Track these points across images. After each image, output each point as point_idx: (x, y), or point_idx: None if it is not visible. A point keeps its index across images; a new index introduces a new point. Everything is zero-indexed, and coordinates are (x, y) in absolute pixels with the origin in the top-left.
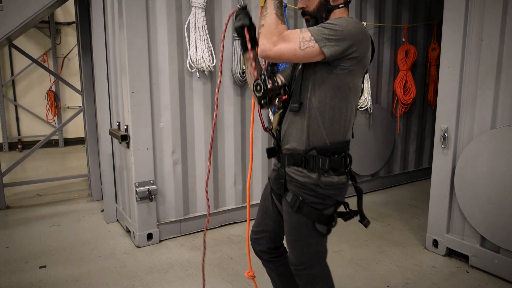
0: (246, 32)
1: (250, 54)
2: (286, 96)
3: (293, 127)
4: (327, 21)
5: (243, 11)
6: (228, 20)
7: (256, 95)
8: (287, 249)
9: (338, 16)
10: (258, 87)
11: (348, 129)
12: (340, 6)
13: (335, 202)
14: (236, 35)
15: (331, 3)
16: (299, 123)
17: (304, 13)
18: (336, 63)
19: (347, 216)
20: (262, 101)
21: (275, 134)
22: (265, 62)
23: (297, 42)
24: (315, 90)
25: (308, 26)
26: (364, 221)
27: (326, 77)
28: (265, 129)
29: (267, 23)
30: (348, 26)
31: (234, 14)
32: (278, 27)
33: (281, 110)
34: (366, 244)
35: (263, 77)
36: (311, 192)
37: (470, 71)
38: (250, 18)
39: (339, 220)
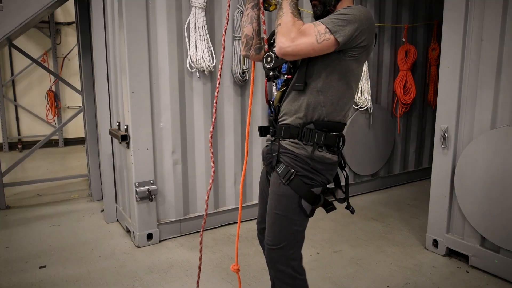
0: None
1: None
2: (290, 76)
3: (294, 104)
4: (337, 12)
5: None
6: (228, 16)
7: (266, 67)
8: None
9: (346, 3)
10: (269, 59)
11: (347, 112)
12: None
13: (324, 182)
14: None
15: None
16: (301, 101)
17: None
18: (346, 50)
19: (330, 206)
20: (271, 73)
21: (275, 110)
22: (266, 50)
23: (314, 36)
24: (321, 72)
25: (315, 11)
26: (350, 208)
27: (334, 62)
28: (267, 101)
29: (283, 21)
30: (358, 13)
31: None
32: (296, 24)
33: (284, 88)
34: (366, 244)
35: (274, 48)
36: (304, 164)
37: (470, 71)
38: None
39: (339, 220)
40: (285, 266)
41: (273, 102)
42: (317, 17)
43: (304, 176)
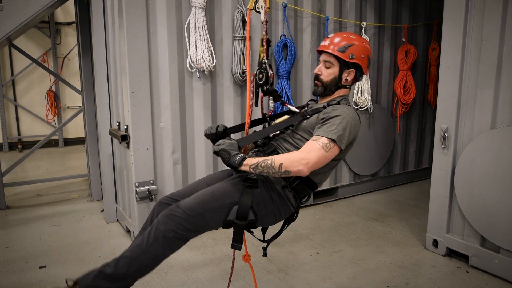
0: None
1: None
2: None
3: (286, 143)
4: (328, 113)
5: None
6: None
7: (258, 83)
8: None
9: (342, 93)
10: (261, 75)
11: (323, 179)
12: (347, 86)
13: (259, 217)
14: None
15: (342, 83)
16: (292, 148)
17: (317, 79)
18: None
19: (238, 244)
20: (265, 88)
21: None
22: (266, 51)
23: (321, 149)
24: None
25: (316, 90)
26: (265, 252)
27: None
28: (263, 114)
29: (279, 159)
30: (348, 118)
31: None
32: (289, 154)
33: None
34: (366, 244)
35: (264, 65)
36: (269, 192)
37: (470, 71)
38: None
39: (339, 220)
40: (166, 227)
41: (269, 115)
42: (315, 94)
43: (259, 197)
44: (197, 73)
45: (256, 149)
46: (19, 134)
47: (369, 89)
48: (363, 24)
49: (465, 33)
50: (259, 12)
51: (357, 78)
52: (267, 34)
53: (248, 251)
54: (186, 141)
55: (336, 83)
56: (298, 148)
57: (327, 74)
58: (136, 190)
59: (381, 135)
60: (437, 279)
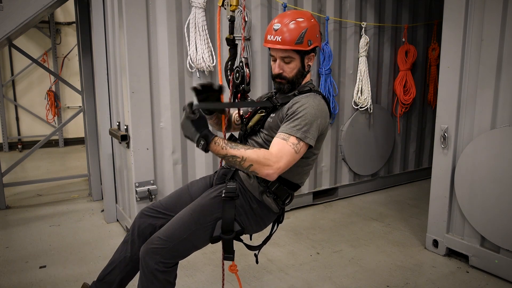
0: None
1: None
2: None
3: (264, 146)
4: (292, 109)
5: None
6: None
7: (235, 82)
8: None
9: (308, 79)
10: (238, 74)
11: (304, 177)
12: (309, 70)
13: (246, 228)
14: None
15: (306, 70)
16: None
17: (280, 77)
18: None
19: (230, 255)
20: (241, 87)
21: (248, 130)
22: (243, 51)
23: (291, 149)
24: None
25: (281, 88)
26: (256, 258)
27: None
28: (240, 116)
29: (252, 159)
30: (313, 110)
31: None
32: (264, 153)
33: (263, 114)
34: (366, 244)
35: (241, 64)
36: (249, 202)
37: (470, 71)
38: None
39: (339, 220)
40: (153, 262)
41: (246, 117)
42: (282, 92)
43: (240, 209)
44: (197, 73)
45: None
46: (19, 134)
47: (369, 89)
48: (363, 24)
49: (465, 33)
50: (226, 9)
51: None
52: (231, 33)
53: (244, 252)
54: (186, 141)
55: (302, 74)
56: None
57: (290, 69)
58: (136, 190)
59: (381, 135)
60: (437, 279)
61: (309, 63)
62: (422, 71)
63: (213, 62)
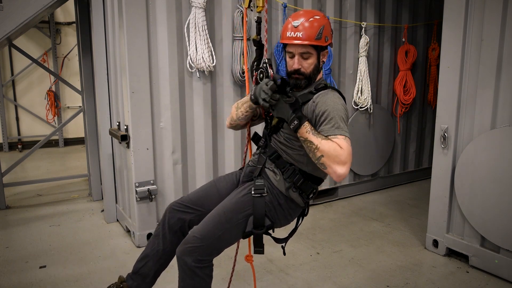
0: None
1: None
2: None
3: (290, 142)
4: (321, 110)
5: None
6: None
7: (259, 82)
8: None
9: (320, 75)
10: (262, 75)
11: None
12: (323, 67)
13: (276, 222)
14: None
15: (320, 65)
16: (295, 146)
17: (298, 72)
18: None
19: (260, 249)
20: None
21: (272, 128)
22: (266, 53)
23: (349, 144)
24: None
25: (298, 84)
26: (284, 248)
27: None
28: (264, 114)
29: (325, 150)
30: (339, 107)
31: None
32: (336, 147)
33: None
34: (366, 244)
35: (264, 65)
36: (277, 198)
37: (470, 71)
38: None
39: (339, 220)
40: (191, 260)
41: (270, 118)
42: (298, 87)
43: (269, 204)
44: (197, 73)
45: (258, 152)
46: (19, 134)
47: (369, 89)
48: (363, 24)
49: (465, 33)
50: (252, 11)
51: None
52: (258, 34)
53: (246, 249)
54: (186, 141)
55: (318, 70)
56: (293, 149)
57: (308, 65)
58: (136, 190)
59: (381, 135)
60: (437, 279)
61: (323, 59)
62: (422, 71)
63: (213, 62)
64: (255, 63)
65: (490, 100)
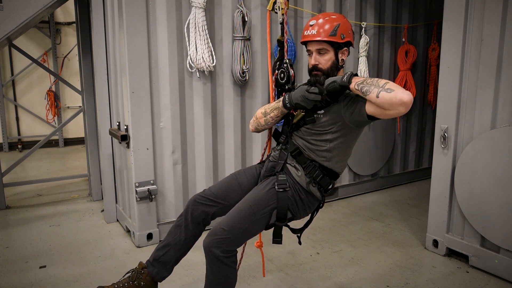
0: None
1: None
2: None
3: (311, 138)
4: (348, 97)
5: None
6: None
7: (280, 82)
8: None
9: (341, 74)
10: (282, 75)
11: (344, 165)
12: (343, 66)
13: (296, 215)
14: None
15: (340, 64)
16: (320, 141)
17: (316, 69)
18: (364, 123)
19: (278, 239)
20: (287, 87)
21: (293, 125)
22: (286, 53)
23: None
24: (339, 138)
25: (318, 80)
26: (300, 239)
27: (354, 133)
28: (287, 109)
29: (390, 83)
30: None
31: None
32: (394, 85)
33: (303, 113)
34: (366, 244)
35: (285, 65)
36: (298, 193)
37: (470, 71)
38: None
39: (339, 220)
40: (219, 251)
41: (292, 111)
42: (320, 84)
43: (292, 199)
44: (197, 73)
45: (278, 147)
46: (19, 134)
47: None
48: (363, 24)
49: (465, 33)
50: (277, 13)
51: (348, 53)
52: (283, 35)
53: (246, 249)
54: (186, 141)
55: (336, 67)
56: (315, 145)
57: (325, 61)
58: (136, 190)
59: (381, 135)
60: (437, 279)
61: (343, 58)
62: (422, 71)
63: (213, 62)
64: (277, 63)
65: (490, 100)
